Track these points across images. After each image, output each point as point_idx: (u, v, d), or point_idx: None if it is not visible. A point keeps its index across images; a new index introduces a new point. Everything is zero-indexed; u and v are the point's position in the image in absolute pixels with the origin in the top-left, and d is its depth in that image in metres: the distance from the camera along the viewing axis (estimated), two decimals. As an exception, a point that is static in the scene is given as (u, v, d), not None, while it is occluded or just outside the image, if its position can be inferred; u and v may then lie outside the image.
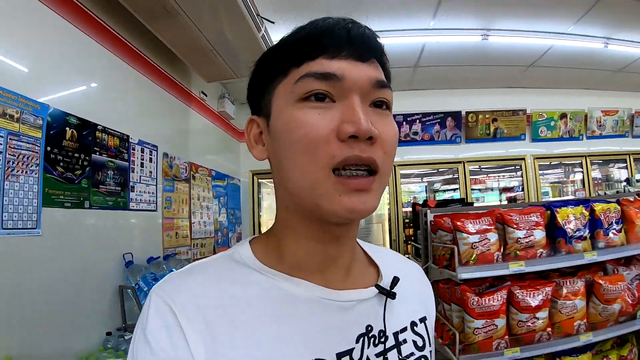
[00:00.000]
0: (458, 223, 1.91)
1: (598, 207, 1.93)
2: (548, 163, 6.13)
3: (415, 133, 5.49)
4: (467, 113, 5.62)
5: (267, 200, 5.62)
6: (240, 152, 5.36)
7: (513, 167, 6.09)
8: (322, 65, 0.53)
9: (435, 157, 5.70)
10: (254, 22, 2.81)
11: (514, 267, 1.78)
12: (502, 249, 1.91)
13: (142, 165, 2.78)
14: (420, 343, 0.65)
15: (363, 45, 0.55)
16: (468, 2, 3.65)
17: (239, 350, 0.50)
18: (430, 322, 0.71)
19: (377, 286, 0.61)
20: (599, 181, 6.53)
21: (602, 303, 1.84)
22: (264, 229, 5.14)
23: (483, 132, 5.65)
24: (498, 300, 1.81)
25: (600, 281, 1.84)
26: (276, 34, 3.40)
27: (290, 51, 0.55)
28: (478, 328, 1.80)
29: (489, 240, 1.85)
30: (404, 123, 5.45)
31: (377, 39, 0.58)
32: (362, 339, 0.57)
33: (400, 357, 0.60)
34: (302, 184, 0.52)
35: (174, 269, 2.48)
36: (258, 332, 0.52)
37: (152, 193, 2.90)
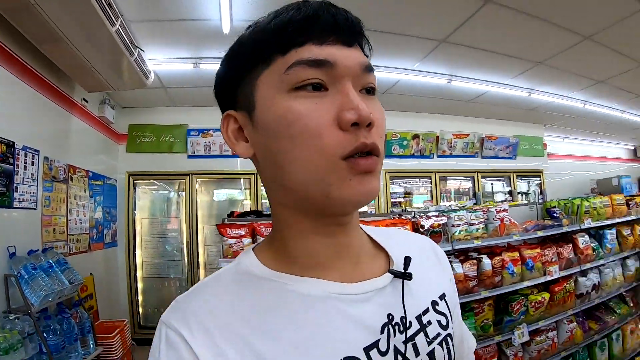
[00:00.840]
0: (222, 230, 2.62)
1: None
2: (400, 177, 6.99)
3: None
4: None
5: (143, 199, 5.85)
6: (118, 154, 5.62)
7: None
8: (312, 51, 0.51)
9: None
10: (126, 49, 3.34)
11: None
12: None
13: (25, 168, 3.17)
14: (444, 322, 0.64)
15: (349, 30, 0.54)
16: None
17: (271, 355, 0.50)
18: (450, 296, 0.70)
19: (391, 271, 0.61)
20: (448, 194, 7.62)
21: None
22: (138, 227, 5.56)
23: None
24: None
25: None
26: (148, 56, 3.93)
27: (272, 38, 0.52)
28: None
29: (243, 243, 2.58)
30: None
31: (360, 23, 0.56)
32: (386, 328, 0.56)
33: (427, 339, 0.60)
34: (307, 176, 0.51)
35: (50, 261, 2.96)
36: (281, 340, 0.51)
37: (33, 193, 3.27)
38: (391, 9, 3.72)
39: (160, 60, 4.38)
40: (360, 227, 0.68)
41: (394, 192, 7.12)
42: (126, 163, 5.67)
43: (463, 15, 3.93)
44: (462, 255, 3.26)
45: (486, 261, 3.17)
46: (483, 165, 7.78)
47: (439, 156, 7.27)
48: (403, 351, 0.57)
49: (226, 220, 3.06)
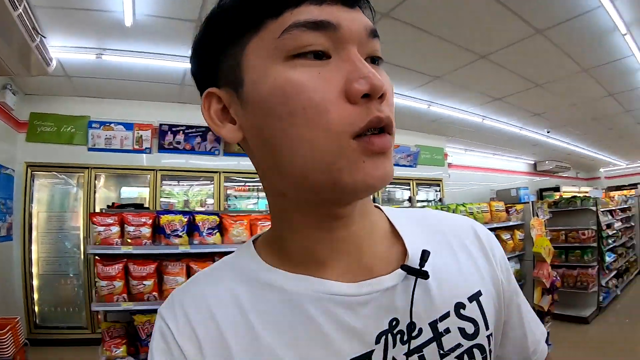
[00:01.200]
0: (93, 218, 2.75)
1: (199, 217, 2.84)
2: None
3: (178, 142, 5.96)
4: (228, 130, 6.24)
5: (41, 192, 5.58)
6: (17, 143, 5.33)
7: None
8: (311, 12, 0.44)
9: (192, 166, 6.17)
10: (28, 34, 3.26)
11: (125, 249, 2.66)
12: (122, 237, 2.76)
13: None
14: (470, 330, 0.54)
15: None
16: None
17: (244, 357, 0.48)
18: (490, 296, 0.58)
19: (404, 267, 0.52)
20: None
21: None
22: (35, 221, 5.31)
23: (239, 148, 6.04)
24: (116, 270, 2.63)
25: (193, 266, 2.73)
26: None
27: None
28: (103, 286, 2.61)
29: (111, 231, 2.71)
30: (169, 132, 5.89)
31: None
32: (383, 337, 0.49)
33: (441, 351, 0.51)
34: (311, 161, 0.44)
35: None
36: (258, 342, 0.48)
37: None
38: None
39: (65, 49, 4.24)
40: (381, 211, 0.61)
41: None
42: (25, 153, 5.39)
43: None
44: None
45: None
46: (419, 174, 8.12)
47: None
48: None
49: (104, 210, 3.14)
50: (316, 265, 0.52)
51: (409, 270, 0.52)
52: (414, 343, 0.50)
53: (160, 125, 5.93)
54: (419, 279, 0.51)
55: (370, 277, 0.52)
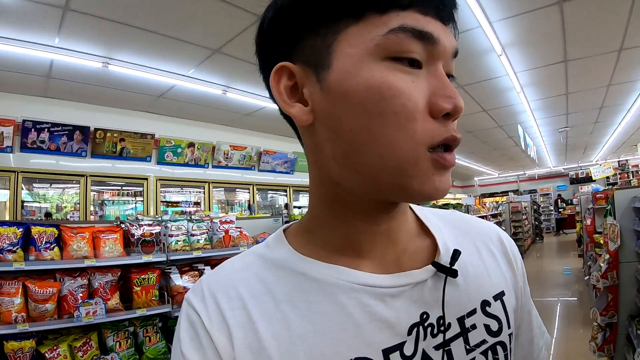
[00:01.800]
0: None
1: (35, 229, 2.52)
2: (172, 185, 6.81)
3: (42, 141, 5.43)
4: (96, 129, 5.73)
5: None
6: None
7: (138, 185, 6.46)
8: (417, 20, 0.44)
9: (60, 167, 5.64)
10: None
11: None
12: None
13: None
14: (494, 327, 0.55)
15: (451, 5, 0.48)
16: (89, 30, 3.90)
17: (275, 345, 0.47)
18: (512, 296, 0.60)
19: (435, 264, 0.54)
20: (222, 204, 7.69)
21: (33, 302, 2.43)
22: None
23: (110, 149, 5.88)
24: None
25: (30, 285, 2.42)
26: None
27: None
28: None
29: None
30: (33, 130, 5.35)
31: None
32: (414, 329, 0.50)
33: (467, 347, 0.52)
34: (387, 163, 0.44)
35: None
36: (290, 330, 0.48)
37: None
38: (168, 11, 3.67)
39: None
40: (411, 209, 0.61)
41: (185, 201, 6.91)
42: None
43: (236, 29, 4.05)
44: (186, 266, 3.18)
45: (208, 272, 3.13)
46: (260, 178, 8.04)
47: (214, 166, 7.29)
48: (434, 357, 0.50)
49: None
50: (353, 255, 0.53)
51: (439, 267, 0.53)
52: (442, 337, 0.51)
53: (24, 121, 5.35)
54: (450, 277, 0.53)
55: (402, 271, 0.53)
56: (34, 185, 5.69)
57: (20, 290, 2.44)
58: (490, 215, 8.29)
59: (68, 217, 5.78)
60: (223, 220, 3.31)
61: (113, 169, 6.09)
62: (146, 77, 4.99)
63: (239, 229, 3.41)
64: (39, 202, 5.72)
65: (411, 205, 0.62)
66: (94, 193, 6.09)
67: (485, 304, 0.56)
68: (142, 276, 2.82)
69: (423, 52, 0.45)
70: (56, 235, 2.59)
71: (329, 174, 0.51)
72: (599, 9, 4.07)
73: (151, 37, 4.09)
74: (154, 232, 2.95)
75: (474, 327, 0.54)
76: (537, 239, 15.30)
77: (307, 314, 0.49)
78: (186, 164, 6.87)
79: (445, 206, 6.73)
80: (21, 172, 5.36)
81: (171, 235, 2.99)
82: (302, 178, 8.80)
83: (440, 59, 0.46)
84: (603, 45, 4.95)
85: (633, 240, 3.33)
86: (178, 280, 2.98)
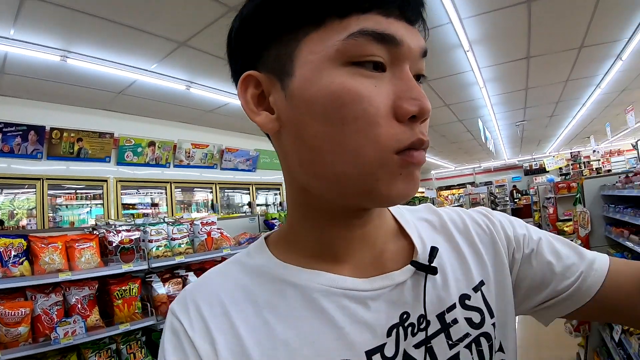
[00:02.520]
0: None
1: (1, 241, 2.22)
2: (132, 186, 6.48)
3: None
4: (52, 129, 5.33)
5: None
6: None
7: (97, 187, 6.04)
8: (378, 22, 0.43)
9: (13, 171, 5.19)
10: None
11: None
12: None
13: None
14: (477, 319, 0.55)
15: (416, 5, 0.47)
16: (47, 20, 3.60)
17: (258, 351, 0.47)
18: (492, 283, 0.58)
19: (413, 263, 0.54)
20: (185, 204, 7.39)
21: (4, 326, 2.15)
22: None
23: (67, 150, 5.50)
24: None
25: None
26: None
27: None
28: None
29: None
30: None
31: None
32: (394, 330, 0.50)
33: (450, 342, 0.52)
34: (352, 168, 0.44)
35: None
36: (273, 336, 0.48)
37: None
38: (133, 1, 3.42)
39: None
40: (388, 210, 0.60)
41: (140, 203, 6.58)
42: None
43: (205, 20, 3.84)
44: (167, 273, 3.00)
45: (192, 279, 2.98)
46: (223, 176, 7.84)
47: (175, 166, 7.02)
48: (415, 356, 0.50)
49: None
50: (331, 261, 0.53)
51: (418, 266, 0.53)
52: (423, 335, 0.51)
53: (-26, 121, 4.90)
54: (428, 275, 0.53)
55: (381, 273, 0.53)
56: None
57: (-15, 312, 2.14)
58: (453, 207, 8.50)
59: (21, 224, 5.36)
60: (204, 222, 3.13)
61: (70, 171, 5.68)
62: (106, 72, 4.67)
63: (219, 231, 3.24)
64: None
65: (389, 208, 0.62)
66: (49, 197, 5.65)
67: (464, 297, 0.55)
68: (123, 287, 2.57)
69: (386, 55, 0.44)
70: (25, 248, 2.30)
71: (298, 181, 0.51)
72: (565, 8, 4.20)
73: (113, 28, 3.80)
74: (133, 237, 2.70)
75: (455, 321, 0.53)
76: (495, 228, 15.82)
77: (288, 319, 0.49)
78: (147, 164, 6.54)
79: (412, 200, 6.78)
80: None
81: (151, 241, 2.77)
82: (263, 176, 8.66)
83: (405, 61, 0.46)
84: (565, 43, 5.15)
85: (602, 226, 3.51)
86: (161, 289, 2.77)
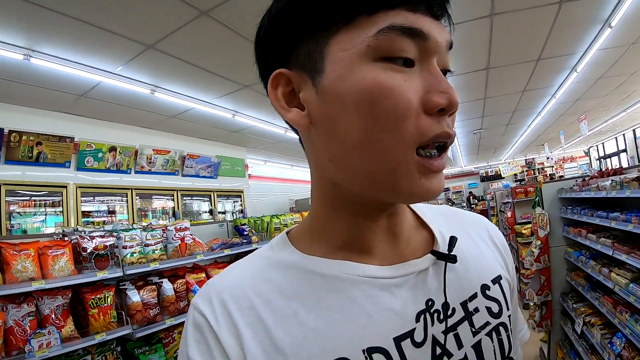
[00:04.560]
0: None
1: None
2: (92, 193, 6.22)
3: None
4: (11, 132, 5.06)
5: None
6: None
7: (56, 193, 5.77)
8: (406, 17, 0.44)
9: None
10: None
11: None
12: None
13: None
14: (495, 309, 0.58)
15: (442, 0, 0.48)
16: (11, 15, 3.41)
17: (288, 342, 0.47)
18: (507, 280, 0.63)
19: (434, 252, 0.56)
20: (144, 212, 7.14)
21: None
22: None
23: (25, 154, 5.23)
24: None
25: None
26: None
27: None
28: None
29: None
30: None
31: None
32: (422, 316, 0.51)
33: (473, 329, 0.54)
34: (379, 163, 0.45)
35: None
36: (302, 326, 0.48)
37: None
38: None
39: None
40: (408, 206, 0.62)
41: (96, 210, 6.34)
42: None
43: (175, 23, 3.76)
44: (140, 280, 2.93)
45: (167, 286, 2.93)
46: (184, 183, 7.74)
47: (137, 172, 6.83)
48: (443, 342, 0.51)
49: None
50: (357, 251, 0.54)
51: (438, 255, 0.55)
52: (450, 322, 0.52)
53: None
54: (450, 264, 0.55)
55: (404, 261, 0.55)
56: None
57: None
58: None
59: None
60: (178, 227, 3.08)
61: (27, 177, 5.41)
62: (70, 73, 4.47)
63: (192, 236, 3.20)
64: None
65: None
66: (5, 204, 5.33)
67: (485, 287, 0.58)
68: (98, 296, 2.49)
69: (415, 50, 0.45)
70: (-3, 257, 2.19)
71: (328, 175, 0.53)
72: (525, 22, 4.38)
73: (80, 27, 3.65)
74: (107, 244, 2.62)
75: (476, 310, 0.56)
76: (453, 233, 16.27)
77: (317, 309, 0.50)
78: (107, 170, 6.31)
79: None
80: None
81: (125, 247, 2.70)
82: (225, 183, 8.59)
83: (433, 55, 0.47)
84: (524, 55, 5.38)
85: (560, 227, 3.72)
86: (135, 296, 2.70)
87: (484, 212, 16.36)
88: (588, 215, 2.97)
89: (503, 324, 0.58)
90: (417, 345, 0.50)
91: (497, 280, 0.61)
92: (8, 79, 4.57)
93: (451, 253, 0.55)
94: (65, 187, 5.78)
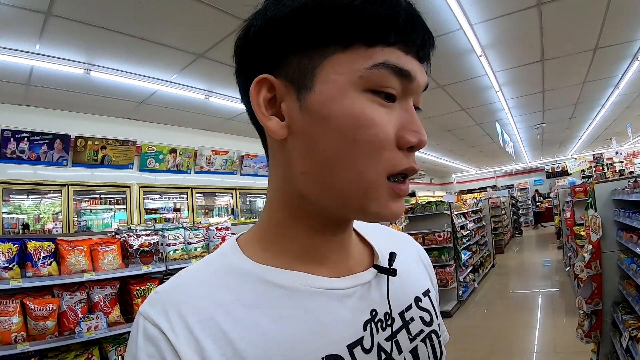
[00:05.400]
0: None
1: (31, 244, 2.42)
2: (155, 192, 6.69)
3: (22, 151, 5.23)
4: (77, 137, 5.59)
5: None
6: None
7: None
8: (399, 58, 0.48)
9: (39, 177, 5.45)
10: None
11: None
12: None
13: None
14: (427, 318, 0.63)
15: (430, 46, 0.52)
16: (71, 36, 3.79)
17: (252, 352, 0.47)
18: (434, 293, 0.70)
19: (376, 266, 0.60)
20: (207, 209, 7.56)
21: (33, 320, 2.35)
22: None
23: (91, 157, 5.75)
24: None
25: (28, 303, 2.33)
26: None
27: (362, 21, 0.46)
28: None
29: None
30: (12, 139, 5.14)
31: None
32: (368, 325, 0.55)
33: (410, 336, 0.59)
34: (354, 186, 0.48)
35: None
36: (264, 335, 0.49)
37: None
38: (151, 16, 3.58)
39: None
40: None
41: (162, 207, 6.79)
42: None
43: (221, 32, 3.99)
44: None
45: (208, 280, 3.10)
46: (243, 182, 7.99)
47: (196, 172, 7.20)
48: (387, 349, 0.55)
49: None
50: (310, 263, 0.55)
51: (380, 268, 0.60)
52: (390, 330, 0.56)
53: (3, 131, 5.13)
54: (390, 276, 0.59)
55: (351, 274, 0.58)
56: (11, 196, 5.49)
57: (18, 309, 2.35)
58: (471, 211, 8.39)
59: (47, 228, 5.61)
60: (219, 227, 3.27)
61: (94, 178, 5.92)
62: (128, 83, 4.87)
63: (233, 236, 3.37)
64: (16, 214, 5.51)
65: None
66: (74, 202, 5.90)
67: (417, 299, 0.64)
68: (142, 287, 2.76)
69: (399, 88, 0.48)
70: (53, 250, 2.50)
71: (296, 187, 0.53)
72: (576, 11, 4.21)
73: (134, 43, 4.00)
74: (152, 242, 2.89)
75: (412, 319, 0.61)
76: (516, 233, 15.52)
77: (277, 319, 0.50)
78: (168, 171, 6.75)
79: (429, 204, 6.77)
80: (1, 183, 5.15)
81: (169, 245, 2.94)
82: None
83: (412, 95, 0.51)
84: (579, 45, 5.11)
85: (614, 231, 3.45)
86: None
87: (548, 210, 15.64)
88: (639, 220, 2.78)
89: (434, 332, 0.63)
90: (366, 351, 0.53)
91: (426, 293, 0.67)
92: (72, 91, 5.00)
93: (391, 267, 0.59)
94: (129, 187, 6.24)
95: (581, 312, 3.67)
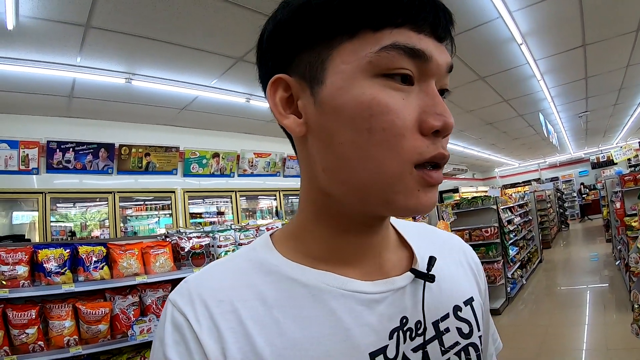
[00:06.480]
0: None
1: (82, 249, 2.42)
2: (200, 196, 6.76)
3: (68, 161, 5.33)
4: (121, 146, 5.67)
5: None
6: None
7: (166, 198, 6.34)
8: (410, 38, 0.45)
9: (85, 186, 5.55)
10: None
11: (1, 293, 2.17)
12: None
13: None
14: (466, 330, 0.59)
15: (447, 23, 0.48)
16: (111, 47, 3.84)
17: (268, 351, 0.47)
18: (479, 302, 0.64)
19: (413, 270, 0.57)
20: (250, 212, 7.58)
21: (85, 323, 2.35)
22: None
23: (135, 164, 5.83)
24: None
25: (81, 307, 2.33)
26: None
27: (365, 7, 0.45)
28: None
29: None
30: (58, 150, 5.25)
31: (453, 17, 0.50)
32: (395, 333, 0.52)
33: (442, 348, 0.55)
34: (374, 178, 0.46)
35: None
36: (283, 335, 0.48)
37: None
38: (189, 22, 3.59)
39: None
40: (390, 222, 0.63)
41: (206, 212, 6.86)
42: None
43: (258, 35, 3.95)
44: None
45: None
46: (287, 183, 7.97)
47: (240, 175, 7.23)
48: (412, 359, 0.53)
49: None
50: (340, 263, 0.54)
51: (417, 273, 0.56)
52: (420, 340, 0.53)
53: (48, 142, 5.24)
54: (427, 283, 0.56)
55: (384, 278, 0.55)
56: (58, 205, 5.63)
57: (70, 313, 2.36)
58: (517, 205, 8.09)
59: (94, 235, 5.74)
60: (269, 227, 3.22)
61: (139, 184, 6.00)
62: (169, 91, 4.92)
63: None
64: (63, 222, 5.67)
65: (391, 218, 0.64)
66: (120, 209, 6.01)
67: (457, 308, 0.59)
68: (195, 289, 2.74)
69: (415, 69, 0.45)
70: (104, 254, 2.51)
71: (319, 184, 0.52)
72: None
73: (173, 50, 4.02)
74: (203, 243, 2.86)
75: (447, 330, 0.57)
76: (563, 227, 15.05)
77: (298, 320, 0.49)
78: (212, 175, 6.79)
79: (475, 199, 6.54)
80: (49, 192, 5.26)
81: (220, 246, 2.90)
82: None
83: (432, 77, 0.47)
84: (621, 26, 4.85)
85: (671, 220, 3.19)
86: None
87: (595, 203, 14.94)
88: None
89: (473, 344, 0.59)
90: None
91: (469, 302, 0.62)
92: (114, 100, 5.09)
93: (430, 272, 0.56)
94: (174, 192, 6.31)
95: (636, 306, 3.42)
